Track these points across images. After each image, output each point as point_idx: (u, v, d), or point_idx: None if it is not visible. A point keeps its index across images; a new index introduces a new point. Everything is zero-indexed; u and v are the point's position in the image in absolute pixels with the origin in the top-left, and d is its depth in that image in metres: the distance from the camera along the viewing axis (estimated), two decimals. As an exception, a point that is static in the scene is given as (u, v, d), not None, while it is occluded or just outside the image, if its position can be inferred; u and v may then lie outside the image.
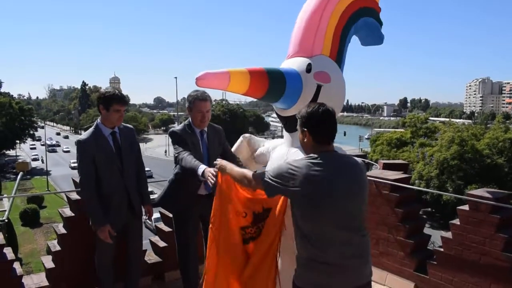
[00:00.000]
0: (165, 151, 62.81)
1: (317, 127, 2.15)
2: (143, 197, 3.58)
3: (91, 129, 3.37)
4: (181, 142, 3.30)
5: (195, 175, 2.94)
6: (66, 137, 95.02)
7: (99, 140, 3.31)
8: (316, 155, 2.12)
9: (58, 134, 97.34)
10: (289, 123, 2.89)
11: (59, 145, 70.67)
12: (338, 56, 2.87)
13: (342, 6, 2.80)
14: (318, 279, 2.12)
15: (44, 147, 53.97)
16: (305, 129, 2.17)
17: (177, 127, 3.52)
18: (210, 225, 2.75)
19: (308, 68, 2.72)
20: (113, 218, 3.33)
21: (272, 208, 2.67)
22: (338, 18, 2.79)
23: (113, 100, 3.28)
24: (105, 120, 3.35)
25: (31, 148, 66.88)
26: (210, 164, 3.13)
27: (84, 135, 3.36)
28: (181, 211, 3.48)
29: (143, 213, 3.65)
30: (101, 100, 3.30)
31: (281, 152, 2.96)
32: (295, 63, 2.78)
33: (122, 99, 3.32)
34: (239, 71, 2.51)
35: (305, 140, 2.20)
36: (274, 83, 2.60)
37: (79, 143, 3.29)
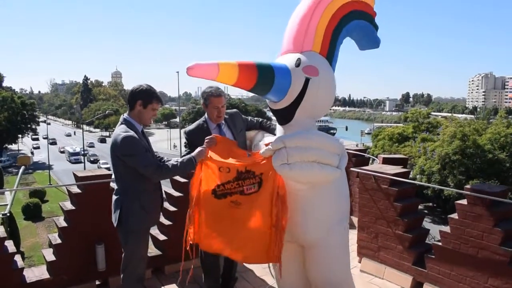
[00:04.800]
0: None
1: None
2: None
3: (123, 126, 2.98)
4: (189, 145, 3.42)
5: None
6: (49, 123, 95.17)
7: (138, 135, 2.98)
8: None
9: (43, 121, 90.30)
10: (280, 116, 3.00)
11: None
12: (329, 54, 2.97)
13: (334, 7, 2.91)
14: None
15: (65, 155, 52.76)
16: None
17: (192, 125, 3.59)
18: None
19: (298, 63, 2.82)
20: (155, 218, 3.21)
21: (264, 181, 2.81)
22: (329, 18, 2.90)
23: (154, 97, 3.03)
24: (136, 117, 3.03)
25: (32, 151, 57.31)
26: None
27: (125, 130, 2.93)
28: None
29: None
30: (141, 94, 2.99)
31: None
32: (286, 59, 2.90)
33: (160, 98, 3.12)
34: (228, 63, 2.61)
35: None
36: (262, 76, 2.71)
37: (131, 138, 2.88)
